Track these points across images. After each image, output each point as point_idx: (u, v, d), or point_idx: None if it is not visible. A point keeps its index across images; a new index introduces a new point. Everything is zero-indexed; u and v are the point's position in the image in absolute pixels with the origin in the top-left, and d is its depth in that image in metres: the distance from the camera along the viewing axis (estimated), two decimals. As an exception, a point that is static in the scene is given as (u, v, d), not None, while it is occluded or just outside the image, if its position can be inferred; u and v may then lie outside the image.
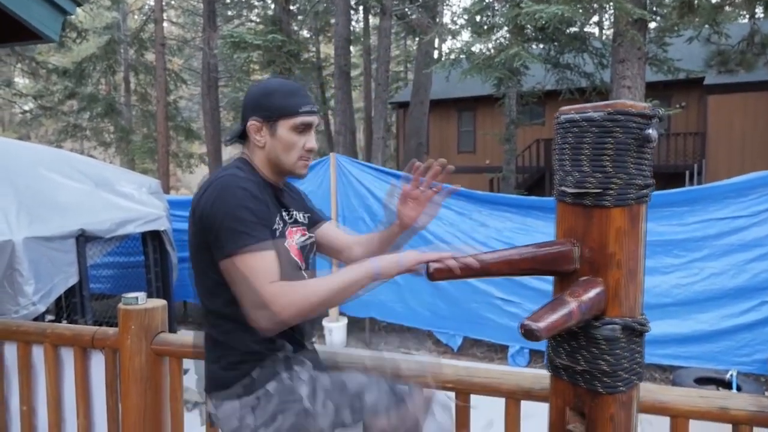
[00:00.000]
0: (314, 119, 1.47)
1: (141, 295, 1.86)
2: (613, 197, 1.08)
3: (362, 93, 20.25)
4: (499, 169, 13.62)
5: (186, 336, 1.94)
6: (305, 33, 19.09)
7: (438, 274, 1.22)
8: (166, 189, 12.85)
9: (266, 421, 1.34)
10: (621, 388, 1.11)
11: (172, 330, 4.80)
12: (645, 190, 1.12)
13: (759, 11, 9.61)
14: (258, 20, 17.06)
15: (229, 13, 18.83)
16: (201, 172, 23.56)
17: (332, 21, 14.87)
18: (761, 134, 13.79)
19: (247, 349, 1.39)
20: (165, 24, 17.62)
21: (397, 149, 21.24)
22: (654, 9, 7.44)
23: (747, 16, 8.29)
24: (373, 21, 18.46)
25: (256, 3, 17.78)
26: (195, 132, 18.66)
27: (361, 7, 15.86)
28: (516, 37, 8.37)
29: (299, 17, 16.40)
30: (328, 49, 19.86)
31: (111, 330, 1.91)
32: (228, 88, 18.34)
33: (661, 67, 9.28)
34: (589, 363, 1.12)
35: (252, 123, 1.46)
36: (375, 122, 10.78)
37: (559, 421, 1.19)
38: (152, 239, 5.22)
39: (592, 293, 1.09)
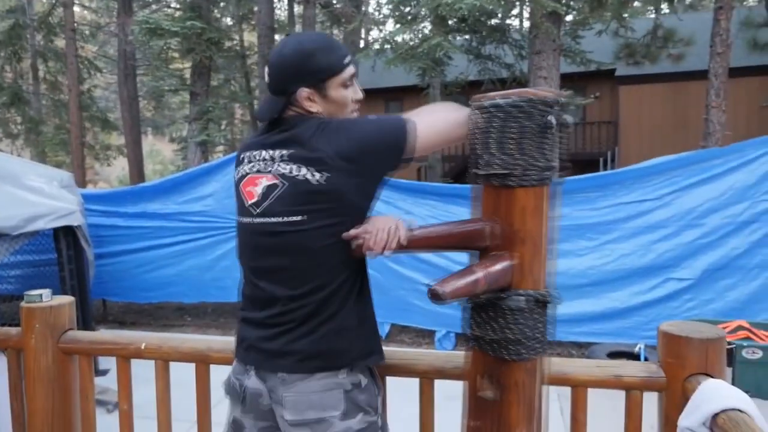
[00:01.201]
0: (353, 67, 1.40)
1: (45, 292, 1.78)
2: (517, 178, 1.15)
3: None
4: (425, 159, 13.78)
5: (96, 333, 1.87)
6: (228, 21, 18.56)
7: (358, 250, 1.26)
8: (82, 182, 12.20)
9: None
10: (525, 355, 1.19)
11: (89, 329, 4.60)
12: (547, 172, 1.19)
13: (664, 6, 10.21)
14: (177, 6, 16.42)
15: (146, -2, 18.02)
16: (119, 164, 22.53)
17: (255, 9, 14.53)
18: (668, 122, 14.69)
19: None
20: (76, 8, 16.63)
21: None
22: (568, 2, 7.75)
23: (653, 11, 8.79)
24: (297, 9, 18.19)
25: (175, -12, 17.10)
26: (112, 122, 17.77)
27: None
28: (438, 27, 8.49)
29: (221, 4, 15.92)
30: (251, 37, 19.40)
31: (14, 330, 1.82)
32: (147, 77, 17.58)
33: (574, 59, 9.70)
34: (497, 333, 1.19)
35: (302, 92, 1.34)
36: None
37: (473, 389, 1.26)
38: (65, 235, 4.95)
39: (499, 266, 1.17)
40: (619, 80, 15.21)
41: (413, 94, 18.13)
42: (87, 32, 18.01)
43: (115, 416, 3.15)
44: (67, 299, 1.83)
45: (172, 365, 1.73)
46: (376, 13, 17.42)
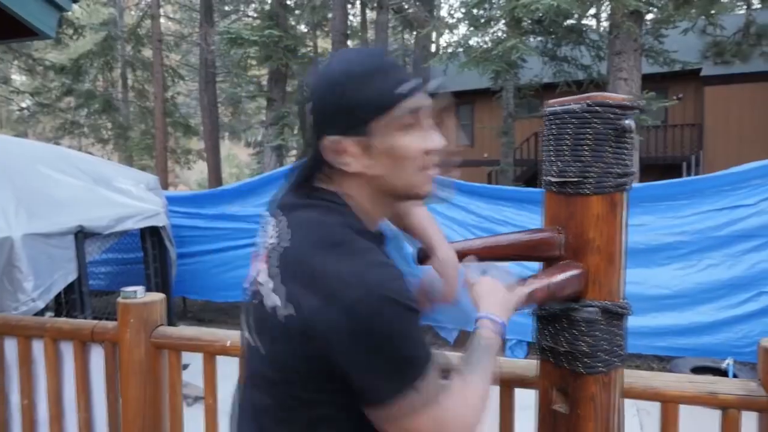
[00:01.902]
0: (425, 99, 0.91)
1: (140, 288, 1.88)
2: (592, 185, 1.12)
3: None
4: (497, 163, 13.61)
5: (185, 329, 1.96)
6: (302, 27, 19.06)
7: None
8: (164, 185, 12.85)
9: None
10: (601, 369, 1.15)
11: (171, 325, 4.84)
12: (623, 179, 1.15)
13: (756, 1, 9.61)
14: (255, 15, 17.02)
15: (226, 8, 18.79)
16: (199, 169, 23.55)
17: (329, 15, 14.83)
18: (758, 125, 13.79)
19: None
20: (162, 20, 17.58)
21: (396, 144, 21.22)
22: (650, 0, 7.43)
23: (744, 6, 8.29)
24: (370, 15, 18.42)
25: (253, -2, 17.75)
26: (193, 128, 18.63)
27: (358, 1, 15.82)
28: (513, 29, 8.37)
29: (296, 12, 16.36)
30: (325, 44, 19.82)
31: (110, 324, 1.93)
32: (226, 84, 18.30)
33: (657, 59, 9.28)
34: (570, 344, 1.16)
35: (329, 143, 0.90)
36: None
37: (546, 401, 1.23)
38: (151, 235, 5.24)
39: (567, 274, 1.14)
40: (705, 81, 14.42)
41: (485, 98, 17.96)
42: (172, 42, 18.98)
43: (195, 409, 3.28)
44: (159, 296, 1.92)
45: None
46: (449, 17, 17.37)
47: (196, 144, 22.52)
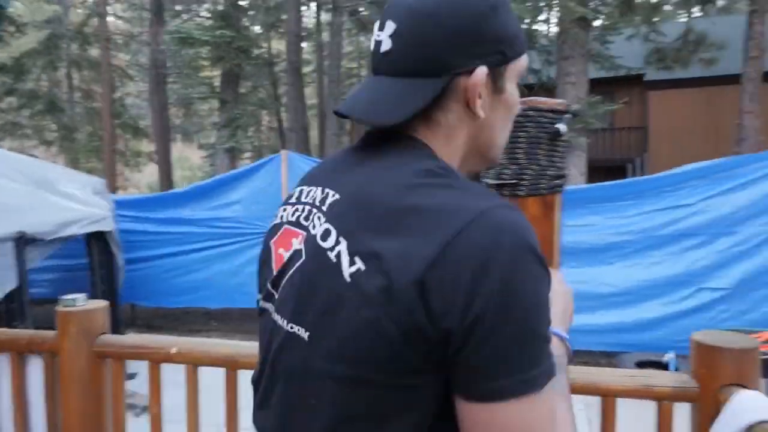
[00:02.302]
0: None
1: (80, 296, 1.82)
2: (526, 187, 1.15)
3: (316, 89, 20.15)
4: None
5: (129, 337, 1.91)
6: (257, 28, 18.85)
7: None
8: (113, 188, 12.48)
9: None
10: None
11: (118, 333, 4.70)
12: (557, 181, 1.19)
13: (696, 10, 10.03)
14: (207, 15, 16.75)
15: (178, 7, 18.40)
16: (149, 171, 22.98)
17: (284, 17, 14.72)
18: (699, 128, 14.41)
19: None
20: (110, 18, 17.09)
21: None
22: (596, 7, 7.68)
23: (685, 14, 8.68)
24: (325, 17, 18.37)
25: (205, -2, 17.45)
26: (143, 130, 18.17)
27: (313, 3, 15.76)
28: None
29: (250, 12, 16.17)
30: (280, 45, 19.66)
31: (50, 333, 1.86)
32: (177, 84, 17.93)
33: (603, 64, 9.59)
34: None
35: (479, 74, 0.75)
36: (328, 119, 10.75)
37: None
38: (97, 240, 5.08)
39: None
40: (648, 85, 14.98)
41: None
42: (120, 42, 18.46)
43: (143, 420, 3.20)
44: (101, 304, 1.87)
45: (199, 370, 1.75)
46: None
47: (147, 146, 21.96)
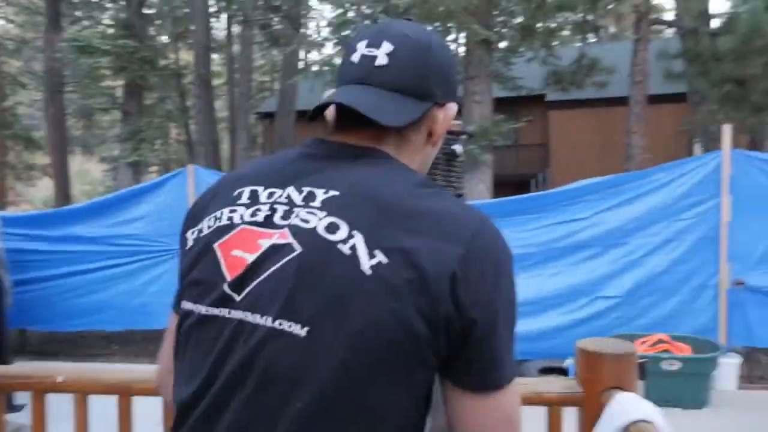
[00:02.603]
0: None
1: (-47, 323, 1.68)
2: None
3: (227, 102, 19.72)
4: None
5: (12, 366, 1.78)
6: (163, 38, 18.22)
7: None
8: (3, 204, 11.56)
9: None
10: None
11: (5, 362, 4.34)
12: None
13: (589, 36, 10.77)
14: (110, 23, 16.00)
15: (77, 13, 17.45)
16: (44, 185, 21.49)
17: (192, 27, 14.33)
18: (595, 145, 15.42)
19: None
20: (0, 21, 15.92)
21: (264, 160, 20.92)
22: (499, 31, 8.08)
23: (579, 40, 9.31)
24: (236, 29, 18.07)
25: (108, 5, 16.66)
26: (36, 141, 16.99)
27: (223, 15, 15.46)
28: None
29: (156, 22, 15.62)
30: (188, 56, 19.12)
31: None
32: (76, 95, 16.95)
33: (506, 84, 10.09)
34: None
35: (448, 110, 0.88)
36: (238, 132, 10.54)
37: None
38: (-20, 261, 4.68)
39: None
40: (549, 105, 15.89)
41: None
42: (11, 47, 17.24)
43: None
44: (-23, 330, 1.73)
45: (96, 398, 1.66)
46: (316, 35, 17.53)
47: (41, 159, 20.57)
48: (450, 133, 1.24)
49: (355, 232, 0.72)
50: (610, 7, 7.00)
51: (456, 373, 0.75)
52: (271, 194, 0.81)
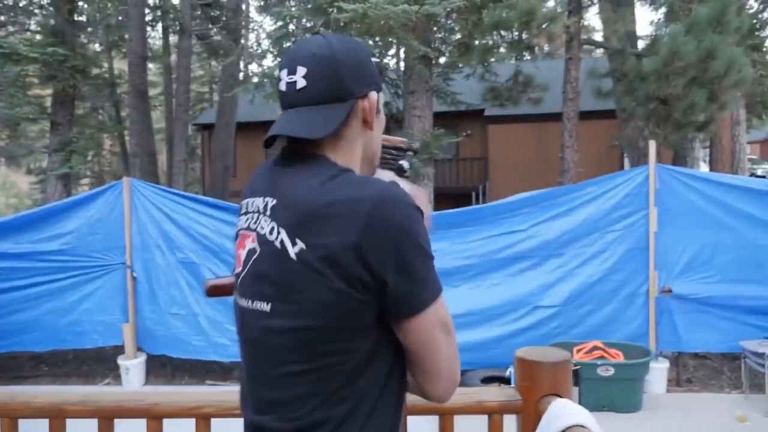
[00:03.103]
0: None
1: None
2: None
3: (164, 113, 19.20)
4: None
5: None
6: (97, 47, 17.57)
7: (214, 290, 1.27)
8: None
9: None
10: None
11: None
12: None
13: (525, 54, 11.16)
14: (38, 29, 15.29)
15: (1, 18, 16.59)
16: (-35, 199, 20.19)
17: (126, 36, 13.90)
18: (532, 159, 15.93)
19: None
20: None
21: (203, 172, 20.47)
22: (438, 47, 8.25)
23: (514, 57, 9.63)
24: (173, 39, 17.66)
25: (36, 11, 15.93)
26: (-44, 152, 15.98)
27: (159, 24, 15.08)
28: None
29: (89, 29, 15.05)
30: (123, 65, 18.52)
31: None
32: (1, 103, 16.08)
33: (446, 99, 10.30)
34: None
35: (372, 97, 1.03)
36: (176, 144, 10.28)
37: None
38: None
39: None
40: (488, 120, 16.32)
41: (294, 129, 18.09)
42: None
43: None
44: None
45: (27, 423, 1.57)
46: (256, 47, 17.36)
47: (-39, 171, 19.36)
48: (397, 149, 1.27)
49: (281, 230, 0.95)
50: (543, 26, 7.27)
51: (392, 312, 0.95)
52: (252, 203, 1.05)
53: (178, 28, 10.73)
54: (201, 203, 6.08)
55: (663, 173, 5.45)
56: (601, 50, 9.54)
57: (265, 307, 0.97)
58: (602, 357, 4.87)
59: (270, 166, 1.07)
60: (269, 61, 15.36)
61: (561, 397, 1.45)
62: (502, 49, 8.60)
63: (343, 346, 0.95)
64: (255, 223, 1.01)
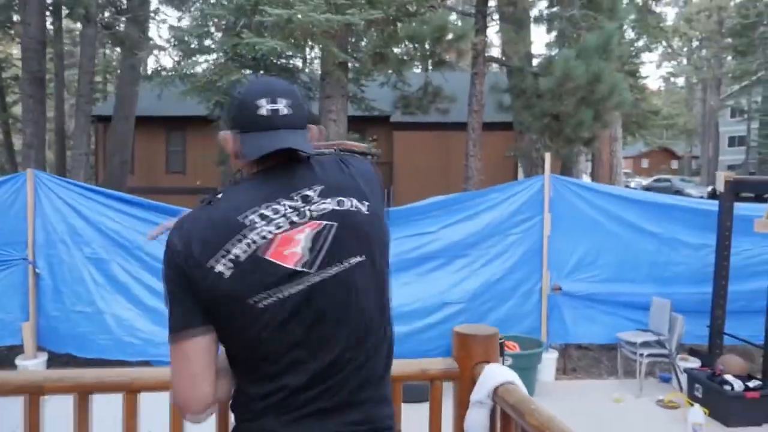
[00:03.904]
0: None
1: None
2: None
3: (53, 102, 18.00)
4: (212, 190, 13.47)
5: None
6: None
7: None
8: None
9: None
10: None
11: None
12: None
13: (436, 66, 11.71)
14: None
15: None
16: None
17: (15, 18, 12.98)
18: (436, 165, 16.66)
19: None
20: None
21: (96, 166, 19.40)
22: (354, 55, 8.54)
23: (425, 69, 10.12)
24: (66, 23, 16.64)
25: None
26: None
27: (59, 10, 14.18)
28: (232, 63, 8.64)
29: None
30: (10, 50, 17.17)
31: None
32: None
33: (359, 105, 10.60)
34: None
35: (315, 128, 1.36)
36: (76, 137, 9.81)
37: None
38: None
39: None
40: (394, 126, 16.87)
41: (198, 125, 17.69)
42: None
43: None
44: None
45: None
46: (162, 41, 16.76)
47: None
48: (361, 153, 1.53)
49: (349, 199, 1.22)
50: (452, 41, 7.77)
51: None
52: (274, 207, 1.18)
53: (83, 15, 10.21)
54: (112, 198, 5.94)
55: (556, 183, 6.05)
56: (501, 66, 10.27)
57: (359, 258, 1.20)
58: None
59: (262, 176, 1.23)
60: (173, 54, 14.92)
61: (491, 363, 1.76)
62: (415, 60, 9.02)
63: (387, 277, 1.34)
64: (299, 216, 1.17)
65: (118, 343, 5.70)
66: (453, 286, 5.87)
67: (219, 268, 1.12)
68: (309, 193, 1.20)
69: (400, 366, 1.81)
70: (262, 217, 1.15)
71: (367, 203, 1.23)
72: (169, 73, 10.22)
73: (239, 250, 1.12)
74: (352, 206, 1.20)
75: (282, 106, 1.21)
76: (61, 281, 5.71)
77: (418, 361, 1.87)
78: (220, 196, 1.21)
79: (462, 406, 1.78)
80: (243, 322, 1.13)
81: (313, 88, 11.39)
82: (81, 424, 1.66)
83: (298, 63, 10.91)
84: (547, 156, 6.12)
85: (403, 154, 17.18)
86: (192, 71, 9.55)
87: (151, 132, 18.92)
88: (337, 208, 1.19)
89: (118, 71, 17.79)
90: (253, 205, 1.16)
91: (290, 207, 1.17)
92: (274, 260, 1.13)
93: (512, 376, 1.63)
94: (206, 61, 9.18)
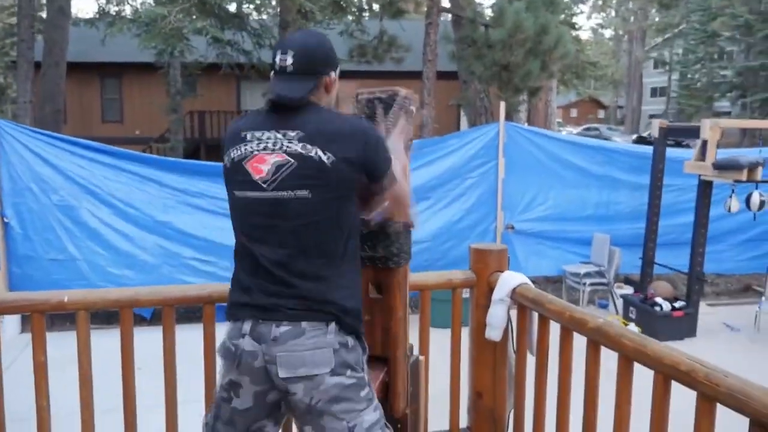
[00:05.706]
0: None
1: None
2: None
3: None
4: (157, 140, 13.28)
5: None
6: None
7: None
8: None
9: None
10: (401, 263, 1.81)
11: None
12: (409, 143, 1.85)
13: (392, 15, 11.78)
14: None
15: None
16: None
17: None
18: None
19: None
20: None
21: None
22: (315, 3, 8.56)
23: (380, 18, 10.18)
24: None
25: None
26: None
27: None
28: (181, 7, 8.47)
29: None
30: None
31: None
32: None
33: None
34: (385, 250, 1.79)
35: (332, 76, 1.59)
36: (20, 85, 9.40)
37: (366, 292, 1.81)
38: None
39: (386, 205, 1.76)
40: (344, 74, 16.82)
41: (135, 72, 17.07)
42: None
43: None
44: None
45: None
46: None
47: None
48: (405, 97, 1.84)
49: (315, 147, 1.49)
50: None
51: (372, 178, 1.58)
52: (262, 134, 1.54)
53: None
54: (78, 145, 5.93)
55: (510, 129, 6.51)
56: (449, 16, 10.49)
57: (306, 194, 1.49)
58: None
59: (265, 112, 1.58)
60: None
61: (505, 271, 2.18)
62: (373, 8, 9.09)
63: (345, 208, 1.57)
64: (275, 146, 1.51)
65: (94, 288, 5.83)
66: (419, 225, 6.27)
67: (226, 160, 1.58)
68: (290, 132, 1.52)
69: (428, 276, 2.21)
70: (254, 137, 1.54)
71: (330, 154, 1.47)
72: (115, 19, 9.84)
73: (235, 153, 1.56)
74: (314, 154, 1.47)
75: (287, 58, 1.53)
76: (32, 229, 5.73)
77: (444, 272, 2.26)
78: (245, 115, 1.65)
79: (478, 307, 2.20)
80: (230, 202, 1.61)
81: (262, 35, 11.27)
82: (167, 335, 1.96)
83: (251, 10, 10.74)
84: (502, 105, 6.54)
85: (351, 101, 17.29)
86: (139, 17, 9.26)
87: (84, 79, 18.06)
88: (302, 152, 1.48)
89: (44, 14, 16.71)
90: (253, 128, 1.55)
91: (273, 137, 1.52)
92: (248, 169, 1.53)
93: (526, 279, 2.05)
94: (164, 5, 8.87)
